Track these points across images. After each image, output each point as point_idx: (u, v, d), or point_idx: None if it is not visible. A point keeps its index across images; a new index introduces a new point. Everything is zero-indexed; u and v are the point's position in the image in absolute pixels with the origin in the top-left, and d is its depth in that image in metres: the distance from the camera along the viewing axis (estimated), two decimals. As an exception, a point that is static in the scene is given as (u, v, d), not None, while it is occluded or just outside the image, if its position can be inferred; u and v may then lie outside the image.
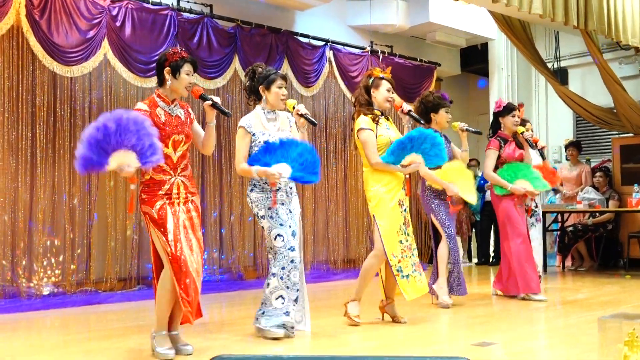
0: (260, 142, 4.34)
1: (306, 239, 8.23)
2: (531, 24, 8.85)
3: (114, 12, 6.59)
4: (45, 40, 6.15)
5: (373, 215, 4.76)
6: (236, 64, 7.51)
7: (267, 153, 4.24)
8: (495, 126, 6.32)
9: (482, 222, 9.77)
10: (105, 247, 6.67)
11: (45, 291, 6.22)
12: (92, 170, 3.47)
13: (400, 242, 4.70)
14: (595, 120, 9.11)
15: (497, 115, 6.28)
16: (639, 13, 8.15)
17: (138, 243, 6.84)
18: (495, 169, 6.12)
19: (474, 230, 10.14)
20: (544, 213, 8.70)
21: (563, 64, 10.11)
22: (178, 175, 3.86)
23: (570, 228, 8.86)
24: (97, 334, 4.73)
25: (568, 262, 9.07)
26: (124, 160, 3.44)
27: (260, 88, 4.46)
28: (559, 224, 8.87)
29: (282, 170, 4.19)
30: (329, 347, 4.12)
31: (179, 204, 3.83)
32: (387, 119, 4.93)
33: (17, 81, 6.17)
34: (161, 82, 3.90)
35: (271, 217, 4.29)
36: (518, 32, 8.76)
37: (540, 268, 6.83)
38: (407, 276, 4.69)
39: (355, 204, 8.82)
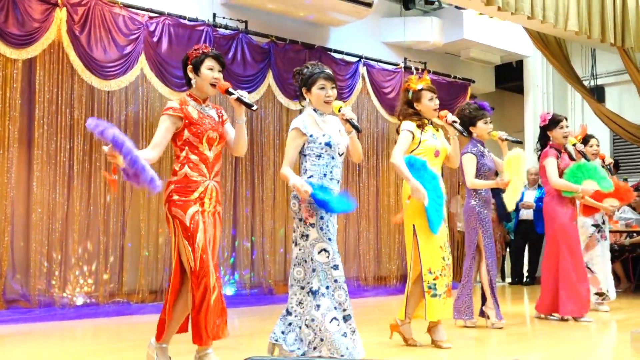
0: (321, 142, 3.88)
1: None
2: (567, 41, 8.77)
3: (152, 28, 6.71)
4: (84, 54, 6.29)
5: (413, 226, 4.48)
6: (270, 79, 7.57)
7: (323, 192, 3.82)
8: (543, 140, 6.05)
9: (517, 241, 9.65)
10: (137, 259, 6.75)
11: (79, 301, 6.31)
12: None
13: (443, 258, 4.46)
14: (633, 138, 8.96)
15: (544, 129, 6.01)
16: (678, 30, 8.02)
17: (170, 255, 6.88)
18: None
19: (507, 249, 10.01)
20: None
21: (600, 81, 9.98)
22: (212, 179, 3.67)
23: (607, 248, 8.68)
24: (128, 344, 4.77)
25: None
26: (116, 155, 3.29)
27: (303, 90, 4.01)
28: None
29: (308, 189, 3.75)
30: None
31: (209, 214, 3.64)
32: (437, 130, 4.71)
33: (56, 94, 6.32)
34: (189, 83, 3.77)
35: (321, 229, 3.81)
36: (554, 49, 8.69)
37: (603, 285, 6.55)
38: (440, 295, 4.43)
39: (387, 221, 8.78)
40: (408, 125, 4.56)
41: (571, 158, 6.02)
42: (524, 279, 9.61)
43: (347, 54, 8.37)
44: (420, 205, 4.40)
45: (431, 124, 4.68)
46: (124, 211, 6.66)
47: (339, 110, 3.95)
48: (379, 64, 8.73)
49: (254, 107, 3.66)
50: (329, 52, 8.17)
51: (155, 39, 6.73)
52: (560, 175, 5.89)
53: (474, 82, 9.79)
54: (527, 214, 9.30)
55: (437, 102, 4.64)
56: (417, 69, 9.06)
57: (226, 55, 7.24)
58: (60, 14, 6.17)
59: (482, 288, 5.49)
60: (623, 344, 4.70)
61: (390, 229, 8.81)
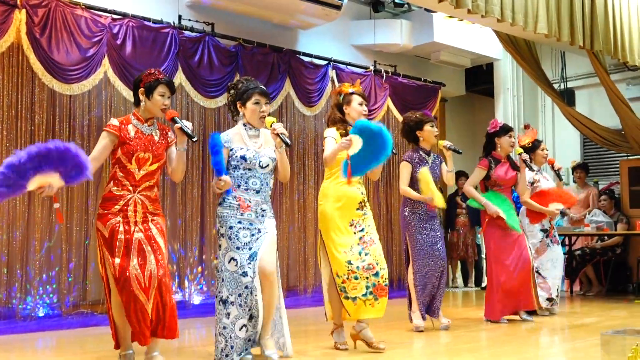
0: (237, 156, 4.14)
1: (307, 262, 8.11)
2: (537, 44, 8.79)
3: (115, 30, 6.55)
4: (45, 58, 6.10)
5: (320, 231, 4.62)
6: (238, 83, 7.45)
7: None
8: (489, 146, 6.22)
9: (488, 245, 9.62)
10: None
11: (41, 313, 6.11)
12: (9, 193, 3.46)
13: (349, 262, 4.46)
14: (603, 141, 9.00)
15: (492, 135, 6.19)
16: (646, 33, 8.07)
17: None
18: (484, 189, 6.15)
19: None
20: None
21: (570, 84, 10.04)
22: (137, 193, 3.85)
23: (578, 252, 8.70)
24: (92, 355, 4.66)
25: (576, 287, 8.91)
26: (44, 182, 3.46)
27: (237, 104, 4.25)
28: (567, 248, 8.72)
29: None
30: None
31: (135, 222, 3.81)
32: None
33: (16, 99, 6.11)
34: (137, 102, 3.96)
35: (230, 238, 4.07)
36: (524, 52, 8.69)
37: (554, 291, 6.50)
38: (354, 299, 4.43)
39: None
40: (331, 132, 4.66)
41: (514, 168, 6.11)
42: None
43: (316, 57, 8.28)
44: (326, 211, 4.56)
45: None
46: (87, 219, 6.47)
47: (271, 125, 4.14)
48: (349, 67, 8.66)
49: (195, 139, 3.88)
50: (297, 55, 8.07)
51: (119, 42, 6.56)
52: (499, 182, 6.07)
53: (444, 85, 9.77)
54: (498, 218, 9.28)
55: (366, 109, 4.78)
56: (386, 72, 9.01)
57: (192, 58, 7.10)
58: (20, 16, 5.98)
59: (408, 292, 5.54)
60: (594, 347, 4.67)
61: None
